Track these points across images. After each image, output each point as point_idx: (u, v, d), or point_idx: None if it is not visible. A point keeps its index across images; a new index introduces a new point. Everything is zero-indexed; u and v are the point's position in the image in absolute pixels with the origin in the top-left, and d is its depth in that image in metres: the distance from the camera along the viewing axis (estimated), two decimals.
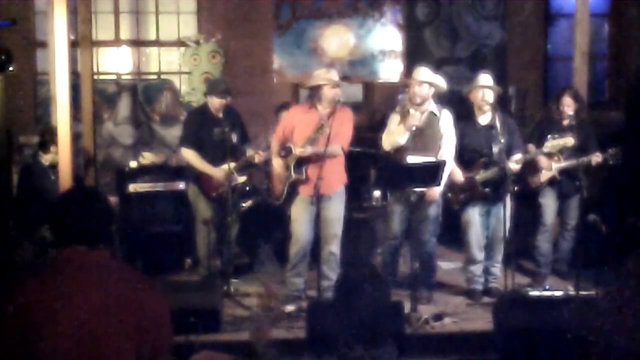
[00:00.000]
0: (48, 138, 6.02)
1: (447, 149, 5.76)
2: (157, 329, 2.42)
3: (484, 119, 5.82)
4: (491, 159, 5.70)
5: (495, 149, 5.61)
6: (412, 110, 5.75)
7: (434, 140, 5.75)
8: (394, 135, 5.74)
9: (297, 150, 5.59)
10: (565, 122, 6.06)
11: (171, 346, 2.47)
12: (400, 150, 5.76)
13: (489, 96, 5.75)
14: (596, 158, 5.93)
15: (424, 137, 5.74)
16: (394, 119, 5.83)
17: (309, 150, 5.58)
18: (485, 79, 5.80)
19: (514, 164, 5.68)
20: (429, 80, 5.73)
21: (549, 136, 5.79)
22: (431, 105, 5.79)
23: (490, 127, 5.71)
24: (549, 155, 5.99)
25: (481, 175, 5.75)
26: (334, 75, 5.71)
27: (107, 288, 2.39)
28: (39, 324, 2.32)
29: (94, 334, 2.32)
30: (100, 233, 2.50)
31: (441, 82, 5.79)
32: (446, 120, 5.80)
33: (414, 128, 5.67)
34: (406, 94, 5.96)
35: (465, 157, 5.85)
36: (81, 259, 2.43)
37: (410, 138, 5.70)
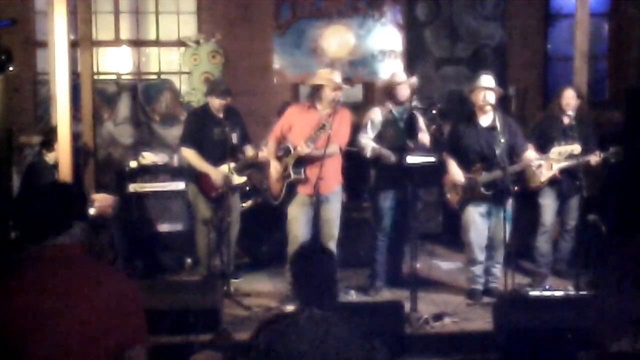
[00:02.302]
0: (52, 137, 6.02)
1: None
2: (126, 322, 2.40)
3: (485, 120, 5.81)
4: (494, 161, 5.69)
5: (498, 151, 5.60)
6: (394, 112, 6.04)
7: (415, 138, 6.03)
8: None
9: (299, 149, 5.58)
10: (566, 121, 6.05)
11: (144, 340, 2.46)
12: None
13: (490, 97, 5.74)
14: (595, 158, 5.92)
15: (409, 135, 5.98)
16: (371, 123, 6.05)
17: (311, 149, 5.57)
18: (486, 80, 5.80)
19: (536, 160, 5.77)
20: (409, 81, 6.04)
21: (555, 143, 5.79)
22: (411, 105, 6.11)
23: (492, 128, 5.70)
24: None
25: (483, 177, 5.74)
26: (337, 77, 5.72)
27: (73, 282, 2.40)
28: (13, 324, 2.34)
29: (59, 328, 2.34)
30: (61, 223, 2.51)
31: (415, 81, 6.13)
32: (421, 120, 6.22)
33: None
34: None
35: (466, 158, 5.85)
36: (50, 254, 2.45)
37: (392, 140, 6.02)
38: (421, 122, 6.20)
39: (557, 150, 5.73)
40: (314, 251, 3.22)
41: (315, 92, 5.76)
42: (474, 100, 5.82)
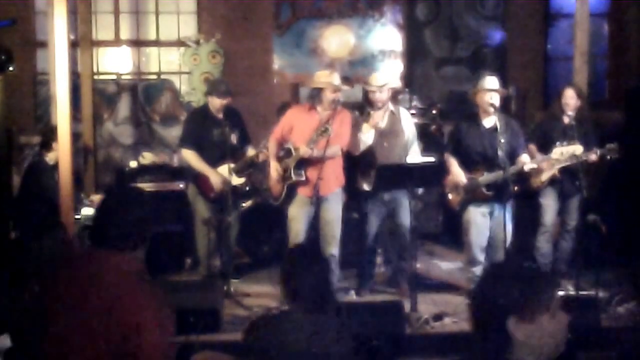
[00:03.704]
0: (50, 136, 6.03)
1: (414, 146, 5.97)
2: (150, 338, 2.38)
3: (488, 121, 5.79)
4: (495, 161, 5.68)
5: (500, 152, 5.58)
6: (372, 113, 5.92)
7: (399, 139, 5.91)
8: (360, 136, 5.86)
9: (302, 151, 5.57)
10: (566, 121, 6.04)
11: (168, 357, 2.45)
12: (369, 151, 5.86)
13: (495, 99, 5.72)
14: (592, 155, 5.91)
15: (389, 136, 5.88)
16: (361, 126, 5.93)
17: (314, 152, 5.57)
18: (491, 81, 5.77)
19: (527, 164, 5.71)
20: (388, 84, 5.91)
21: (556, 142, 5.78)
22: (390, 106, 5.97)
23: (495, 129, 5.69)
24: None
25: (484, 178, 5.74)
26: (336, 79, 5.71)
27: (112, 292, 2.38)
28: (48, 318, 2.34)
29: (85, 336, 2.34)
30: (139, 236, 2.50)
31: (397, 84, 5.91)
32: (406, 118, 6.03)
33: (379, 125, 5.85)
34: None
35: (468, 158, 5.84)
36: (104, 262, 2.44)
37: (376, 138, 5.86)
38: (404, 124, 5.99)
39: (559, 151, 5.71)
40: (309, 255, 3.24)
41: (315, 93, 5.76)
42: (479, 102, 5.79)
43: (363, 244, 6.06)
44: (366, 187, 5.92)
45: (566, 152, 5.69)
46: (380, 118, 5.89)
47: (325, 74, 5.80)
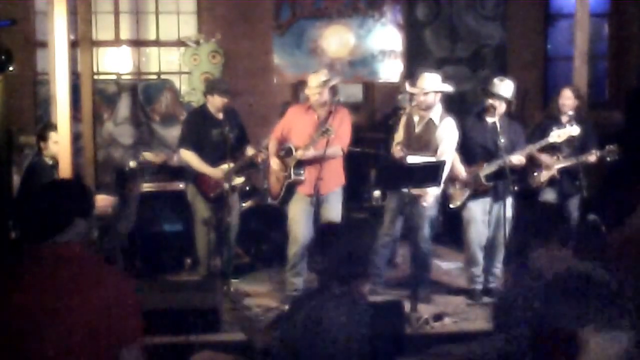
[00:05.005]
0: (42, 133, 6.02)
1: (445, 154, 5.70)
2: (122, 321, 2.40)
3: (492, 118, 5.79)
4: (496, 154, 5.68)
5: (500, 145, 5.57)
6: (415, 118, 5.83)
7: (428, 146, 5.75)
8: (396, 145, 5.88)
9: (299, 154, 5.58)
10: (565, 121, 6.05)
11: (139, 339, 2.46)
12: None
13: (502, 107, 5.73)
14: (592, 157, 5.91)
15: (420, 142, 5.79)
16: (400, 125, 5.96)
17: (311, 153, 5.57)
18: (506, 88, 5.74)
19: (519, 156, 5.68)
20: (436, 89, 5.73)
21: (554, 127, 5.78)
22: (433, 112, 5.77)
23: (498, 125, 5.68)
24: (550, 154, 6.01)
25: (485, 169, 5.74)
26: (317, 78, 5.64)
27: (71, 281, 2.41)
28: (14, 323, 2.35)
29: (61, 328, 2.35)
30: (67, 222, 2.51)
31: (447, 88, 5.82)
32: (445, 129, 5.75)
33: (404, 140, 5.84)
34: (405, 95, 6.00)
35: (471, 151, 5.85)
36: (51, 253, 2.46)
37: (406, 142, 5.83)
38: (442, 131, 5.74)
39: (555, 134, 5.71)
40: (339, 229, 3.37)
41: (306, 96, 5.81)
42: (487, 103, 5.76)
43: (380, 239, 6.07)
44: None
45: (563, 134, 5.69)
46: (414, 124, 5.82)
47: (312, 75, 5.77)
